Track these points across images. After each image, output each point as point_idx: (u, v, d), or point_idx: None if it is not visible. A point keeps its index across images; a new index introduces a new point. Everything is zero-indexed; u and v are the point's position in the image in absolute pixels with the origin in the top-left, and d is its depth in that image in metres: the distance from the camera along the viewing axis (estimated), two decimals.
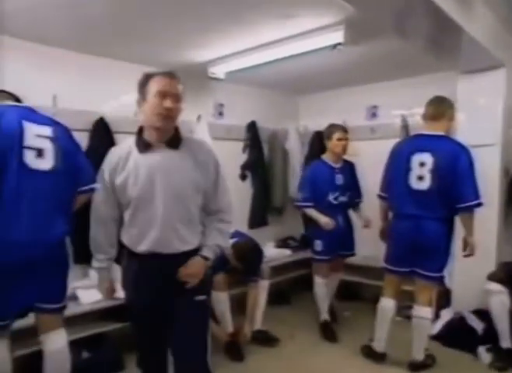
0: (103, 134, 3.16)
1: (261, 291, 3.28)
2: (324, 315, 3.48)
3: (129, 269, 1.89)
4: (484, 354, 2.94)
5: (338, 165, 3.40)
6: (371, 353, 2.94)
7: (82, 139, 3.01)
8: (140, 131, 1.83)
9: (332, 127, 3.39)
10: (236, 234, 3.23)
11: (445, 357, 2.95)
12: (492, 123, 3.25)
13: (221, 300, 3.04)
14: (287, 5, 2.33)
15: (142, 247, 1.79)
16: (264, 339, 3.26)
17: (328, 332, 3.41)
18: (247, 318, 3.22)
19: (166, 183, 1.76)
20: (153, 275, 1.81)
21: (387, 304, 2.86)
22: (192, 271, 1.81)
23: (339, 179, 3.36)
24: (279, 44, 2.90)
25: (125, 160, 1.80)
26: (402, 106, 3.87)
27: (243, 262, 3.10)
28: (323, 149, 3.64)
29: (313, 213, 3.31)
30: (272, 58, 3.08)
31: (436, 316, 3.41)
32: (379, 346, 2.90)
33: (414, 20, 2.30)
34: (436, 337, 3.22)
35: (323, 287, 3.45)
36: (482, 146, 3.06)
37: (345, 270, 3.75)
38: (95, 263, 1.97)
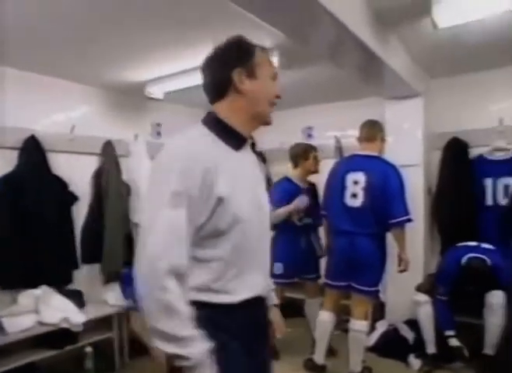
0: (33, 152, 3.03)
1: None
2: None
3: (224, 334, 1.14)
4: (413, 361, 3.10)
5: (304, 186, 3.32)
6: (313, 366, 3.00)
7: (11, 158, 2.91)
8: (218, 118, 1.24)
9: (308, 146, 3.34)
10: None
11: (381, 367, 3.07)
12: (415, 146, 3.54)
13: None
14: (224, 29, 2.40)
15: (247, 292, 1.19)
16: None
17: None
18: None
19: (263, 198, 1.30)
20: (258, 329, 1.27)
21: (326, 317, 2.94)
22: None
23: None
24: None
25: (220, 164, 1.12)
26: (336, 127, 4.06)
27: None
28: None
29: (280, 210, 3.09)
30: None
31: (372, 328, 3.55)
32: (319, 358, 2.97)
33: (346, 51, 2.49)
34: (372, 349, 3.34)
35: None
36: (408, 166, 3.29)
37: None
38: (187, 348, 1.02)
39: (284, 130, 4.45)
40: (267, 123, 1.29)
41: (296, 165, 3.32)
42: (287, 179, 3.32)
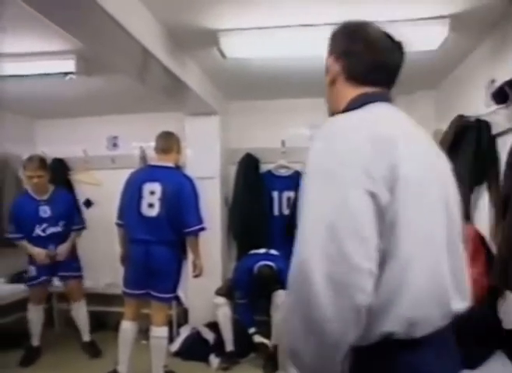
0: None
1: None
2: (35, 341, 3.53)
3: None
4: (213, 360, 3.34)
5: (43, 197, 3.45)
6: None
7: None
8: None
9: (27, 161, 3.39)
10: None
11: (184, 370, 3.22)
12: (213, 159, 3.84)
13: None
14: (13, 19, 2.21)
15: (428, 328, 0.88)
16: None
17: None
18: None
19: None
20: None
21: (127, 326, 2.95)
22: None
23: (45, 211, 3.43)
24: (9, 59, 2.71)
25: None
26: (141, 138, 4.11)
27: None
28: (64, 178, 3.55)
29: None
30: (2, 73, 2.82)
31: (177, 334, 3.70)
32: (122, 368, 2.94)
33: (149, 70, 2.57)
34: (176, 353, 3.48)
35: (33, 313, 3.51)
36: (206, 178, 3.56)
37: (88, 299, 3.72)
38: None
39: (88, 137, 4.36)
40: None
41: None
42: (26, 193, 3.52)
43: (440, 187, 0.93)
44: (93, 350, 3.58)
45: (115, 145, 4.39)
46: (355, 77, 1.04)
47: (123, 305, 3.04)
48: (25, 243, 3.40)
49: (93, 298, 3.90)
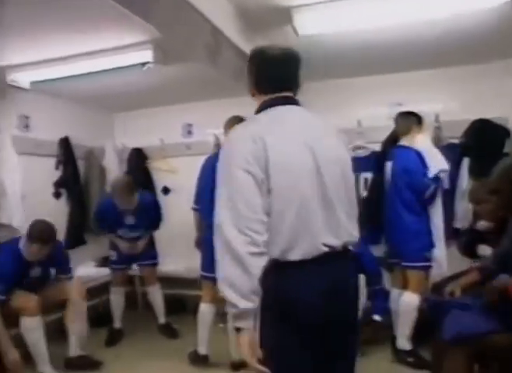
0: None
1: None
2: (117, 323, 3.72)
3: None
4: None
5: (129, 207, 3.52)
6: (196, 357, 3.04)
7: None
8: None
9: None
10: None
11: None
12: None
13: None
14: (92, 18, 2.34)
15: None
16: (85, 364, 3.06)
17: None
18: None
19: None
20: None
21: (205, 309, 3.02)
22: None
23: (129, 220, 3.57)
24: (87, 57, 2.86)
25: None
26: (215, 124, 4.11)
27: None
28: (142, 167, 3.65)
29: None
30: (81, 72, 3.02)
31: None
32: (202, 349, 3.03)
33: (222, 53, 2.58)
34: None
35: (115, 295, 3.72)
36: None
37: (167, 283, 3.88)
38: None
39: (164, 126, 4.48)
40: None
41: None
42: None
43: (309, 162, 1.33)
44: (169, 332, 3.71)
45: (190, 133, 4.49)
46: (259, 88, 1.48)
47: (201, 289, 3.11)
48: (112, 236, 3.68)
49: (172, 281, 4.04)
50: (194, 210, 3.14)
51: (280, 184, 1.29)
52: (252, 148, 1.28)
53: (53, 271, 3.15)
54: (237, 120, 3.03)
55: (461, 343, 1.90)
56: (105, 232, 3.72)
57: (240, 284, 1.23)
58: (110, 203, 3.53)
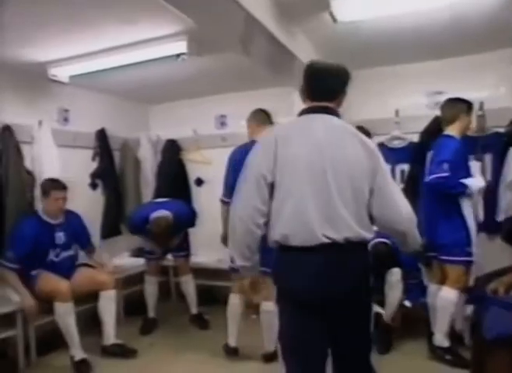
0: None
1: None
2: (151, 313, 3.77)
3: None
4: None
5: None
6: (227, 350, 3.05)
7: None
8: None
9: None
10: None
11: None
12: None
13: None
14: (127, 10, 2.36)
15: None
16: (121, 352, 3.15)
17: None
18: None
19: None
20: None
21: (235, 300, 3.02)
22: None
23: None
24: (123, 50, 2.89)
25: None
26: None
27: None
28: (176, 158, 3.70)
29: None
30: (117, 64, 3.05)
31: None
32: (231, 341, 3.04)
33: (256, 42, 2.54)
34: None
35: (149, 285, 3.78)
36: None
37: (200, 274, 3.93)
38: None
39: (197, 117, 4.49)
40: None
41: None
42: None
43: (316, 162, 1.57)
44: (201, 323, 3.74)
45: (223, 124, 4.48)
46: (303, 97, 1.76)
47: (232, 280, 3.11)
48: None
49: (204, 273, 4.07)
50: (223, 202, 3.05)
51: (284, 177, 1.59)
52: (269, 144, 1.63)
53: (78, 251, 3.34)
54: (260, 114, 3.07)
55: (502, 345, 1.82)
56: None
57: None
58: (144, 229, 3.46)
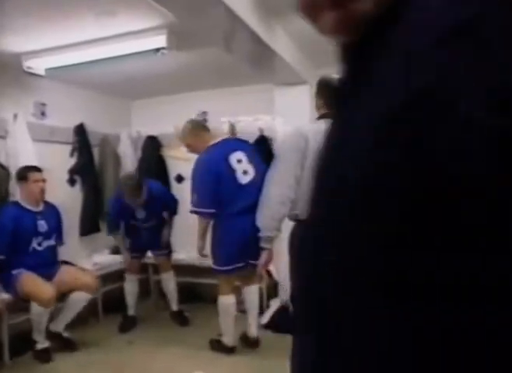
0: None
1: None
2: (130, 311, 3.73)
3: None
4: None
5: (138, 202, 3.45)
6: (223, 349, 3.05)
7: None
8: None
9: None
10: None
11: (274, 342, 3.14)
12: None
13: None
14: (106, 1, 2.31)
15: None
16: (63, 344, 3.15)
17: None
18: None
19: None
20: None
21: (229, 301, 3.01)
22: None
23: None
24: (101, 43, 2.84)
25: None
26: (229, 112, 4.08)
27: None
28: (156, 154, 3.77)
29: None
30: (95, 58, 2.99)
31: (268, 307, 3.72)
32: (229, 339, 3.04)
33: (237, 38, 2.54)
34: (266, 326, 3.47)
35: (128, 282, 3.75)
36: None
37: (180, 271, 3.90)
38: None
39: (179, 114, 4.40)
40: None
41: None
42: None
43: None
44: (181, 319, 3.72)
45: (205, 120, 4.44)
46: (319, 105, 2.27)
47: (213, 277, 3.12)
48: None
49: (185, 270, 4.04)
50: (203, 214, 2.97)
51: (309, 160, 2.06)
52: (298, 138, 2.18)
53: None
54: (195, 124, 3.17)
55: None
56: (118, 233, 3.73)
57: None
58: (120, 203, 3.51)
